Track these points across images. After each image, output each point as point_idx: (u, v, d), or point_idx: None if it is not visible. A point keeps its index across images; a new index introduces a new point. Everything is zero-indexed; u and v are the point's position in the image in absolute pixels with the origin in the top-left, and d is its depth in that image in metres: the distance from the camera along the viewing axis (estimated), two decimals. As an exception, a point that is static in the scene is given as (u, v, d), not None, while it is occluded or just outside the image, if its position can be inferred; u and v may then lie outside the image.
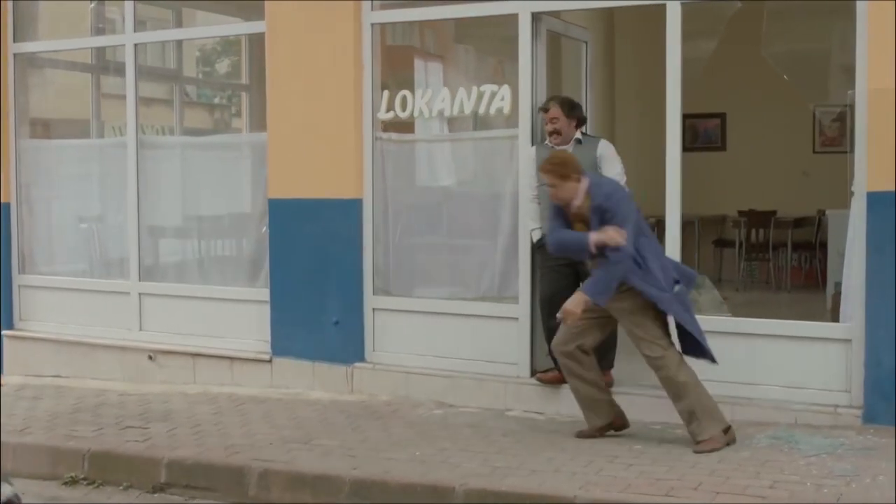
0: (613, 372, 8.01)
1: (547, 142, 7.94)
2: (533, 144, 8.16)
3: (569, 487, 6.17)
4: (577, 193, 6.94)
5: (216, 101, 20.92)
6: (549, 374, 8.07)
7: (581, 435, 7.34)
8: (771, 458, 6.60)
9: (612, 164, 7.80)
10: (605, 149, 7.89)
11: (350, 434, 7.61)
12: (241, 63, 16.54)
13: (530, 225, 8.08)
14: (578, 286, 7.30)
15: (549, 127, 7.86)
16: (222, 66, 21.78)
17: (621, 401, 7.56)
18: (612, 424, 7.36)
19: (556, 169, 6.98)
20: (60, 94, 12.28)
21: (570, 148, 7.82)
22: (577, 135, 7.89)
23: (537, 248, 8.04)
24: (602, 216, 6.87)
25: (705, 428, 6.91)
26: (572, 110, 7.86)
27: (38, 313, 10.66)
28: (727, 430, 6.96)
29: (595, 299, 6.89)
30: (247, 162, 10.30)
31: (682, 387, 6.96)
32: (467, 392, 8.36)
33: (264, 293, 9.28)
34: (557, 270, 7.90)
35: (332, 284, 8.88)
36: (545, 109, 7.91)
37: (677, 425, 7.42)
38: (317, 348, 8.96)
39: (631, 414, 7.60)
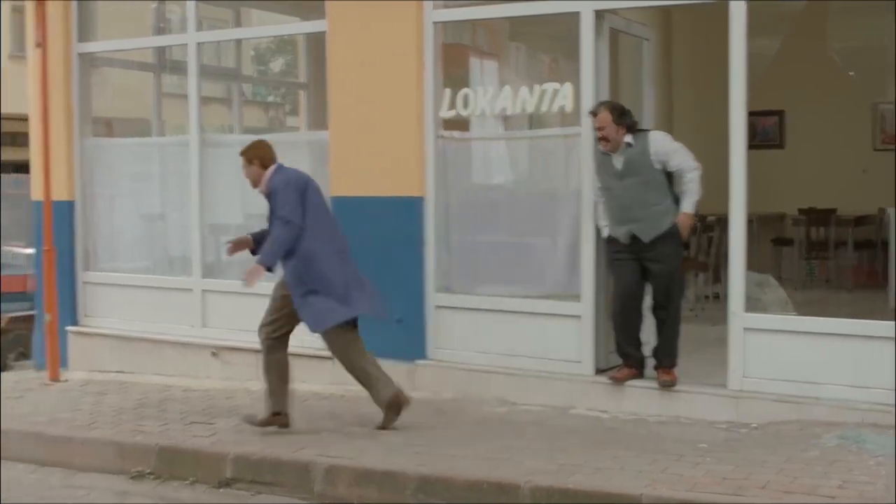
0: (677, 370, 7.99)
1: (599, 146, 7.95)
2: (595, 141, 8.15)
3: (635, 485, 6.16)
4: (262, 180, 7.87)
5: (270, 99, 21.10)
6: (623, 371, 8.09)
7: (251, 421, 7.82)
8: (839, 457, 6.56)
9: (676, 157, 7.79)
10: (661, 144, 7.85)
11: (414, 431, 7.64)
12: (295, 61, 16.66)
13: (601, 222, 8.12)
14: (645, 278, 7.84)
15: (598, 133, 7.86)
16: (276, 65, 21.97)
17: (685, 399, 7.56)
18: (276, 419, 7.80)
19: (245, 152, 7.97)
20: (122, 94, 12.44)
21: (621, 153, 7.83)
22: (628, 139, 7.85)
23: (606, 244, 8.10)
24: (271, 203, 7.78)
25: (263, 409, 7.78)
26: (621, 117, 7.83)
27: (102, 310, 10.79)
28: (276, 414, 7.73)
29: (263, 263, 7.75)
30: (307, 160, 10.34)
31: (265, 365, 7.85)
32: (530, 390, 8.37)
33: (327, 290, 9.31)
34: (623, 265, 7.95)
35: (395, 282, 8.91)
36: (594, 114, 7.89)
37: (742, 424, 7.42)
38: (379, 345, 8.90)
39: (695, 412, 7.64)
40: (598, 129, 7.83)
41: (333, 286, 7.71)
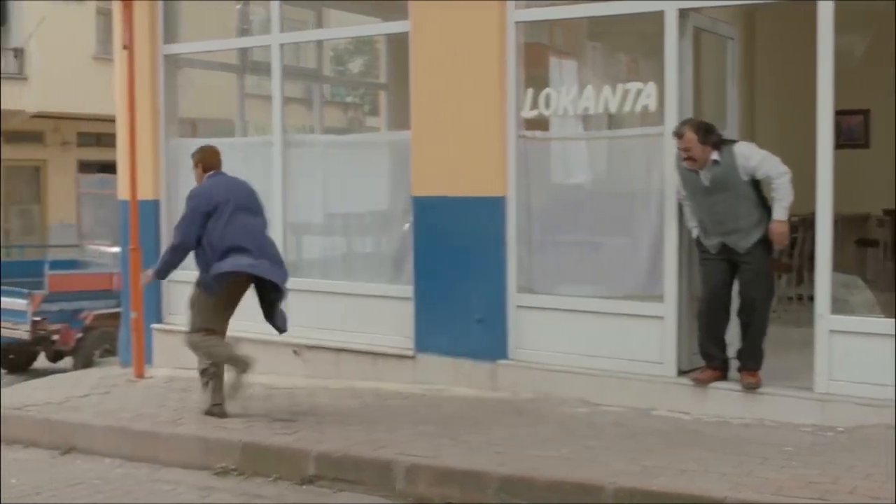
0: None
1: (683, 163, 7.89)
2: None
3: (719, 488, 6.12)
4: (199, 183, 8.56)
5: (348, 99, 21.22)
6: (706, 373, 8.03)
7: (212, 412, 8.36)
8: (927, 463, 6.46)
9: (763, 166, 7.70)
10: (747, 157, 7.73)
11: (495, 430, 7.65)
12: (374, 62, 16.75)
13: (690, 223, 8.09)
14: (735, 279, 7.84)
15: (683, 154, 7.79)
16: (355, 66, 22.08)
17: (770, 401, 7.51)
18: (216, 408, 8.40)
19: (193, 155, 8.70)
20: (205, 94, 12.57)
21: (707, 170, 7.77)
22: (714, 156, 7.76)
23: (696, 244, 8.08)
24: None
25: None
26: (707, 135, 7.74)
27: (184, 307, 10.88)
28: (215, 405, 8.34)
29: (156, 277, 8.81)
30: (387, 160, 10.41)
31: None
32: (611, 391, 8.34)
33: (408, 290, 9.38)
34: (713, 264, 7.92)
35: (476, 282, 8.93)
36: (678, 136, 7.79)
37: (828, 427, 7.33)
38: (460, 345, 9.02)
39: (779, 415, 7.58)
40: (684, 149, 7.75)
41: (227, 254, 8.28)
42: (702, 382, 8.00)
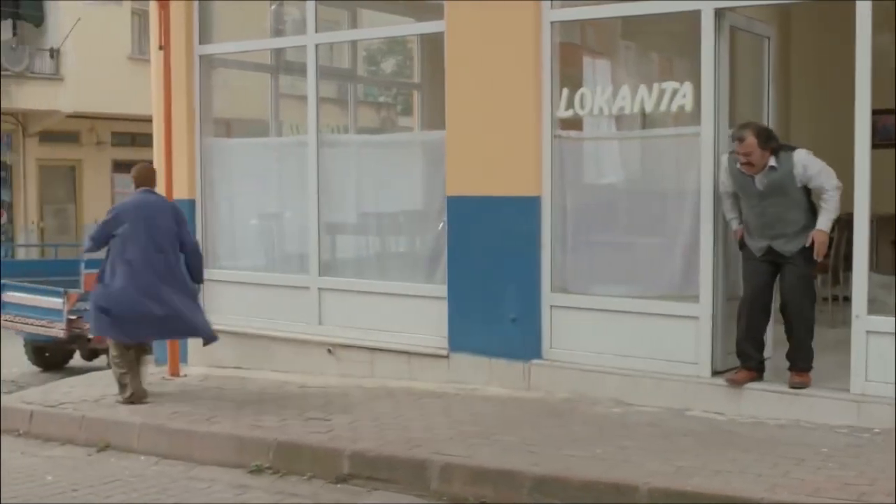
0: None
1: (738, 165, 7.85)
2: (715, 142, 8.08)
3: (755, 489, 6.10)
4: None
5: (381, 99, 21.22)
6: (741, 373, 7.99)
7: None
8: (966, 465, 6.41)
9: (819, 178, 7.65)
10: (806, 167, 7.67)
11: (529, 430, 7.65)
12: (406, 62, 16.74)
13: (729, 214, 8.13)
14: (776, 280, 7.88)
15: (742, 158, 7.74)
16: (388, 66, 22.09)
17: (805, 402, 7.54)
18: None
19: (132, 171, 9.58)
20: (239, 94, 12.62)
21: (763, 176, 7.75)
22: (772, 161, 7.73)
23: (740, 247, 8.10)
24: None
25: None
26: (767, 141, 7.72)
27: (221, 306, 10.95)
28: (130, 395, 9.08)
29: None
30: (421, 160, 10.43)
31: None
32: (645, 391, 8.32)
33: (442, 289, 9.38)
34: (756, 265, 7.92)
35: (510, 281, 8.93)
36: (739, 139, 7.73)
37: (864, 429, 7.29)
38: (494, 344, 9.01)
39: (815, 416, 7.56)
40: (744, 154, 7.70)
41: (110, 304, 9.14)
42: (736, 383, 7.97)
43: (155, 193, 9.50)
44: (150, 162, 10.25)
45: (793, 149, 7.85)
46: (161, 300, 9.08)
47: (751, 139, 7.67)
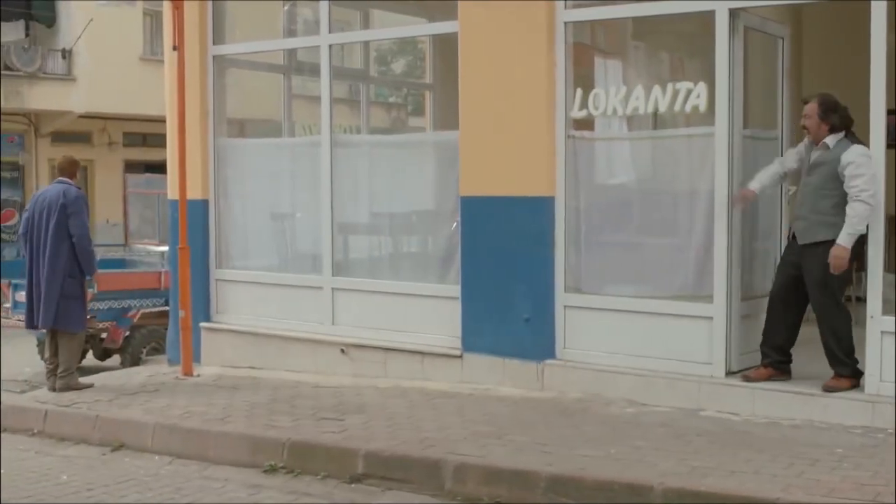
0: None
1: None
2: (729, 142, 8.08)
3: (770, 489, 6.09)
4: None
5: (391, 100, 21.25)
6: (759, 370, 8.02)
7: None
8: (982, 466, 6.40)
9: (855, 180, 7.48)
10: (850, 160, 7.52)
11: (543, 430, 7.65)
12: (417, 62, 16.76)
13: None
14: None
15: (803, 121, 7.88)
16: (398, 66, 22.12)
17: (820, 402, 7.53)
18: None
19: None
20: (252, 95, 12.65)
21: (817, 151, 7.80)
22: (828, 140, 7.73)
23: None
24: None
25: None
26: (826, 113, 7.74)
27: (234, 306, 11.00)
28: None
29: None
30: (433, 160, 10.43)
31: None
32: (659, 391, 8.31)
33: (455, 289, 9.38)
34: (783, 267, 8.06)
35: (523, 281, 8.93)
36: (805, 102, 7.92)
37: (879, 429, 7.28)
38: (507, 344, 9.01)
39: (829, 416, 7.55)
40: (804, 115, 7.84)
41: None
42: (750, 380, 7.97)
43: (55, 186, 10.00)
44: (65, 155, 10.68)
45: (856, 142, 7.73)
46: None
47: (813, 105, 7.81)
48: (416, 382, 9.42)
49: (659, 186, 9.04)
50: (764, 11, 8.67)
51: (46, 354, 10.13)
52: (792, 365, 8.08)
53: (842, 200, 7.58)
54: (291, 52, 11.98)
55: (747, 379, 7.99)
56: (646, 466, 6.65)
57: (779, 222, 8.91)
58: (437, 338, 9.53)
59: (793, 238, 7.94)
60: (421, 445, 7.35)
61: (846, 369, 7.72)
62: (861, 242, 7.63)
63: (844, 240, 7.51)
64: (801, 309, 8.00)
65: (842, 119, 7.77)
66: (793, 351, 8.09)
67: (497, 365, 9.07)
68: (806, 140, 8.02)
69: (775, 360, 7.98)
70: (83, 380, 10.04)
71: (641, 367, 8.49)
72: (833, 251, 7.55)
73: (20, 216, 25.39)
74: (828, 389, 7.69)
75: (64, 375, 9.77)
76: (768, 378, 7.94)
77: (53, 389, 9.79)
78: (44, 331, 10.23)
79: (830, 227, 7.61)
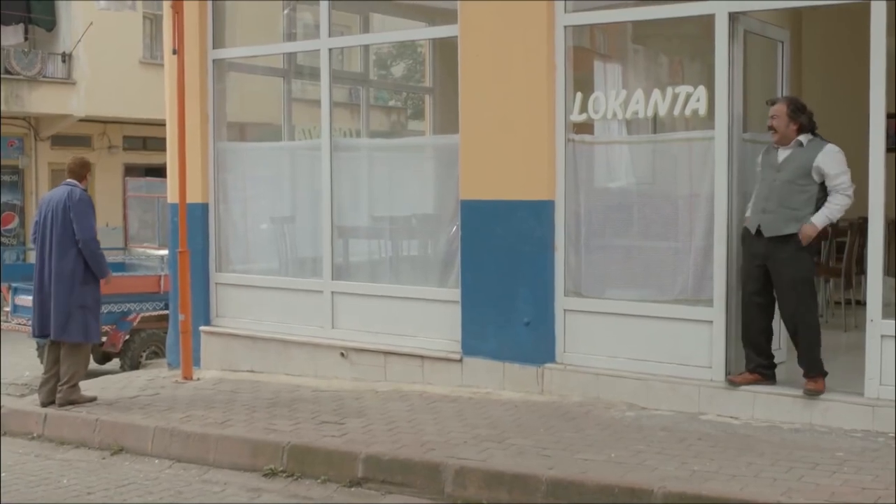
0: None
1: (769, 134, 7.95)
2: (729, 146, 8.09)
3: (771, 493, 6.10)
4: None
5: (391, 103, 21.25)
6: (743, 374, 8.03)
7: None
8: (983, 469, 6.40)
9: (835, 179, 7.62)
10: (828, 162, 7.64)
11: (543, 434, 7.65)
12: (417, 66, 16.75)
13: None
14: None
15: (769, 122, 7.86)
16: (398, 70, 22.12)
17: (820, 406, 7.51)
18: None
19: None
20: (252, 98, 12.63)
21: (786, 149, 7.80)
22: (801, 138, 7.77)
23: (741, 240, 8.14)
24: None
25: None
26: (795, 113, 7.77)
27: (234, 310, 10.99)
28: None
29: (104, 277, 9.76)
30: (433, 163, 10.44)
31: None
32: (659, 395, 8.31)
33: (455, 293, 9.39)
34: (748, 269, 8.01)
35: (523, 285, 8.93)
36: (771, 103, 7.91)
37: (879, 433, 7.28)
38: (507, 348, 9.01)
39: (829, 420, 7.55)
40: (771, 117, 7.83)
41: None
42: (734, 384, 8.00)
43: (62, 188, 9.68)
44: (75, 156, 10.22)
45: (827, 142, 7.82)
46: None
47: (780, 105, 7.82)
48: (416, 386, 9.42)
49: (659, 190, 9.04)
50: (764, 15, 8.68)
51: (45, 363, 9.64)
52: (788, 370, 8.11)
53: (813, 195, 7.70)
54: (291, 56, 11.97)
55: (731, 382, 8.03)
56: (647, 470, 6.65)
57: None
58: (437, 341, 9.52)
59: (756, 233, 7.88)
60: (421, 449, 7.35)
61: (818, 370, 7.76)
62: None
63: (820, 220, 7.67)
64: (773, 302, 8.01)
65: (809, 119, 7.84)
66: (787, 359, 8.12)
67: (497, 369, 9.07)
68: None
69: (759, 365, 7.98)
70: (85, 392, 9.54)
71: (642, 371, 8.49)
72: (805, 229, 7.64)
73: (20, 219, 25.57)
74: (811, 393, 7.69)
75: (67, 387, 9.26)
76: (753, 383, 7.95)
77: (47, 402, 9.31)
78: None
79: (799, 222, 7.69)
